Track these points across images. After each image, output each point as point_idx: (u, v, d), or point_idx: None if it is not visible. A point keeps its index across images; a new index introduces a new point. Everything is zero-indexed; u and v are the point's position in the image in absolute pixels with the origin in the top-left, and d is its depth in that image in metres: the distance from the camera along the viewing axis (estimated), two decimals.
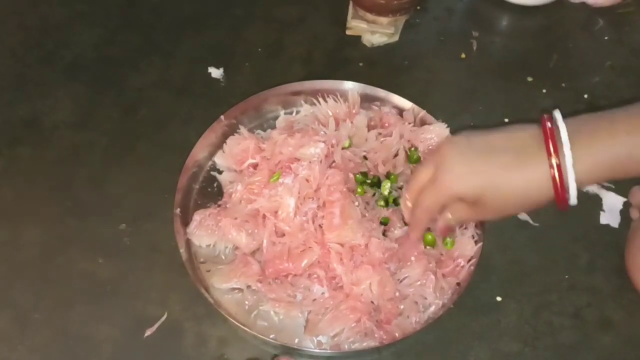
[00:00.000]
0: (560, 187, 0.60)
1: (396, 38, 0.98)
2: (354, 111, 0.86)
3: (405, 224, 0.76)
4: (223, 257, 0.78)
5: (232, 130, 0.85)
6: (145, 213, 0.82)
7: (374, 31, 0.97)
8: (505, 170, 0.62)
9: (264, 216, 0.77)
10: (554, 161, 0.60)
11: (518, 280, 0.78)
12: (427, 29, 1.00)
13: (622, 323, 0.76)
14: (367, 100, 0.87)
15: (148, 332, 0.75)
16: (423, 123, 0.85)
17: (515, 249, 0.80)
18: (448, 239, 0.76)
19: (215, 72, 0.94)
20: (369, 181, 0.79)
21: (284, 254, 0.75)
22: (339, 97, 0.86)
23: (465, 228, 0.77)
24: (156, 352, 0.74)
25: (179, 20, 1.00)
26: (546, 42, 0.98)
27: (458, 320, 0.75)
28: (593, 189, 0.84)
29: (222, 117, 0.84)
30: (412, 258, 0.75)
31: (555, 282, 0.78)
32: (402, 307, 0.73)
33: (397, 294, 0.74)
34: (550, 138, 0.60)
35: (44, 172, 0.86)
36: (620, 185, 0.83)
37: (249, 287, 0.75)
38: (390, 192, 0.78)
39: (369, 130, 0.83)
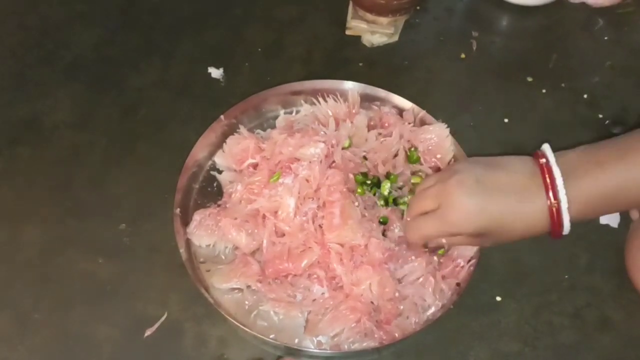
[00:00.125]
0: (556, 223, 0.66)
1: (396, 38, 0.98)
2: (354, 111, 0.86)
3: None
4: (223, 257, 0.78)
5: (232, 130, 0.85)
6: (145, 213, 0.82)
7: (374, 31, 0.97)
8: (511, 208, 0.67)
9: (264, 216, 0.77)
10: (552, 203, 0.65)
11: (518, 280, 0.79)
12: (427, 29, 1.00)
13: (622, 323, 0.76)
14: (367, 100, 0.87)
15: (148, 332, 0.75)
16: (423, 123, 0.85)
17: (515, 249, 0.80)
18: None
19: (215, 72, 0.94)
20: (369, 181, 0.79)
21: (284, 254, 0.75)
22: (339, 97, 0.86)
23: None
24: (156, 352, 0.74)
25: (179, 20, 1.00)
26: (546, 42, 0.98)
27: (458, 320, 0.75)
28: None
29: (222, 116, 0.84)
30: (412, 257, 0.75)
31: (555, 282, 0.78)
32: (401, 307, 0.73)
33: (397, 294, 0.74)
34: (549, 177, 0.65)
35: (44, 172, 0.86)
36: None
37: (249, 287, 0.75)
38: (390, 192, 0.78)
39: (369, 130, 0.83)
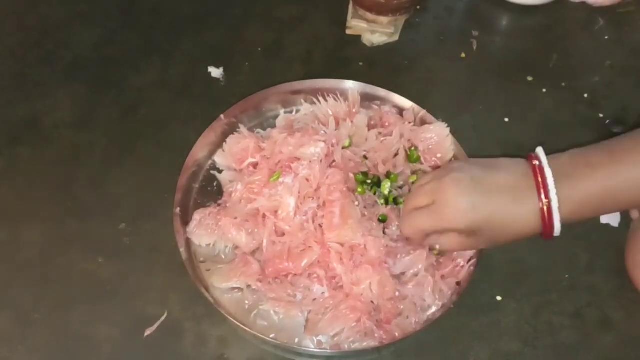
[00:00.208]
0: (548, 224, 0.67)
1: (396, 37, 0.98)
2: (354, 110, 0.86)
3: None
4: (223, 257, 0.78)
5: (232, 130, 0.85)
6: (145, 213, 0.82)
7: (374, 31, 0.97)
8: (504, 208, 0.68)
9: (264, 216, 0.77)
10: (544, 204, 0.66)
11: (518, 280, 0.78)
12: (427, 28, 1.00)
13: (622, 323, 0.76)
14: (367, 100, 0.87)
15: (148, 332, 0.75)
16: (423, 122, 0.85)
17: (515, 248, 0.80)
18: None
19: (215, 72, 0.94)
20: (369, 181, 0.79)
21: (284, 253, 0.75)
22: (339, 96, 0.86)
23: None
24: (156, 352, 0.74)
25: (179, 20, 1.00)
26: (546, 41, 0.98)
27: (458, 320, 0.75)
28: None
29: (222, 116, 0.84)
30: (412, 251, 0.75)
31: (555, 282, 0.78)
32: (402, 307, 0.73)
33: (397, 294, 0.74)
34: (541, 178, 0.67)
35: (44, 172, 0.86)
36: None
37: (249, 286, 0.75)
38: (390, 192, 0.78)
39: (369, 130, 0.83)
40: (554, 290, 0.78)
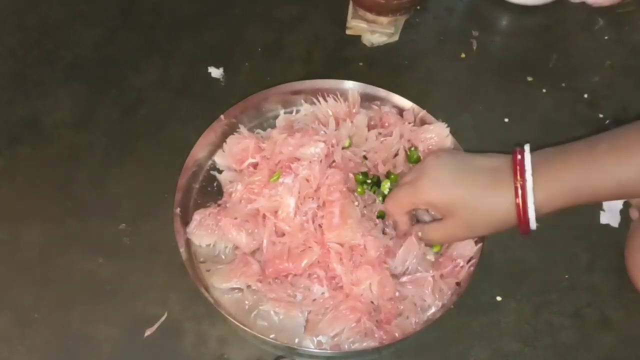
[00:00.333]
0: (522, 210, 0.67)
1: (396, 38, 0.98)
2: (354, 111, 0.86)
3: None
4: (223, 257, 0.78)
5: (232, 130, 0.85)
6: (145, 213, 0.82)
7: (374, 31, 0.97)
8: (480, 189, 0.69)
9: (264, 216, 0.77)
10: (518, 184, 0.67)
11: (518, 280, 0.78)
12: (427, 28, 1.00)
13: (622, 323, 0.76)
14: (367, 100, 0.87)
15: (148, 332, 0.75)
16: (423, 123, 0.85)
17: (515, 248, 0.80)
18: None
19: (215, 72, 0.94)
20: (369, 181, 0.79)
21: (284, 253, 0.75)
22: (339, 96, 0.86)
23: None
24: (156, 352, 0.74)
25: (179, 20, 1.00)
26: (546, 41, 0.98)
27: (458, 320, 0.75)
28: None
29: (222, 116, 0.84)
30: (402, 243, 0.75)
31: (555, 282, 0.78)
32: (401, 307, 0.73)
33: (397, 294, 0.74)
34: (519, 164, 0.68)
35: (44, 172, 0.86)
36: None
37: (249, 286, 0.75)
38: (390, 191, 0.78)
39: (369, 130, 0.83)
40: (554, 290, 0.78)
